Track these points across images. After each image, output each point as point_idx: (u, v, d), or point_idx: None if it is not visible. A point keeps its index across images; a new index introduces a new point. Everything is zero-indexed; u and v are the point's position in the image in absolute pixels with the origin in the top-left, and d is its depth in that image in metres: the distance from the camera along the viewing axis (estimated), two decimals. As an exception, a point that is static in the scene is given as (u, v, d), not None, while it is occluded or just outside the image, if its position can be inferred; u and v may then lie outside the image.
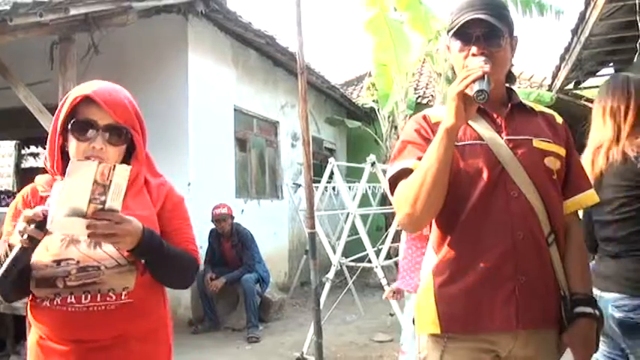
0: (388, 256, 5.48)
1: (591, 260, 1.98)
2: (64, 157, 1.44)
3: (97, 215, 1.22)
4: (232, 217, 5.92)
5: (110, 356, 1.41)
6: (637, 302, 1.85)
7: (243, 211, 7.01)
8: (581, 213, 1.79)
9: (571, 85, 8.46)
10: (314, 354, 3.94)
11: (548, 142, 1.49)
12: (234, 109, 7.18)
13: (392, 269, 7.32)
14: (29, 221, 1.24)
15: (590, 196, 1.56)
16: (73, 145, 1.40)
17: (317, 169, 9.06)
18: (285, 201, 8.54)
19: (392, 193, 1.50)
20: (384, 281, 4.60)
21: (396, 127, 9.45)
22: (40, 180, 1.52)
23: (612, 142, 1.99)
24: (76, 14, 4.41)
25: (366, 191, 6.37)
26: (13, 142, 4.81)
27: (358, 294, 6.42)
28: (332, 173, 5.22)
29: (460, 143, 1.45)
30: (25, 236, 1.24)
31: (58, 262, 1.37)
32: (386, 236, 5.72)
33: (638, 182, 1.91)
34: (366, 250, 4.80)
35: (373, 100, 10.24)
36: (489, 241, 1.42)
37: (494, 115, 1.51)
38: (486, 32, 1.43)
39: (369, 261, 4.85)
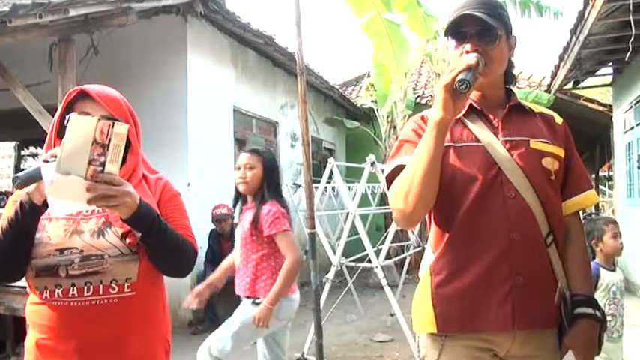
0: (388, 256, 5.47)
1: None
2: None
3: (96, 178, 1.22)
4: (232, 218, 5.91)
5: (110, 354, 1.41)
6: None
7: (243, 211, 7.00)
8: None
9: (570, 85, 8.47)
10: (314, 354, 3.94)
11: (546, 143, 1.49)
12: (234, 110, 7.18)
13: (392, 269, 7.30)
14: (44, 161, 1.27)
15: (590, 197, 1.55)
16: None
17: (316, 169, 9.07)
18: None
19: (389, 190, 1.51)
20: (384, 281, 4.60)
21: (395, 127, 9.46)
22: None
23: None
24: (75, 15, 4.42)
25: (366, 191, 6.35)
26: (13, 144, 4.80)
27: (358, 294, 6.42)
28: (331, 173, 5.22)
29: (457, 145, 1.46)
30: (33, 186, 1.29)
31: (61, 251, 1.39)
32: (386, 236, 5.71)
33: None
34: (366, 250, 4.79)
35: (372, 100, 10.26)
36: (485, 242, 1.42)
37: (491, 117, 1.51)
38: (480, 30, 1.44)
39: (369, 261, 4.84)
